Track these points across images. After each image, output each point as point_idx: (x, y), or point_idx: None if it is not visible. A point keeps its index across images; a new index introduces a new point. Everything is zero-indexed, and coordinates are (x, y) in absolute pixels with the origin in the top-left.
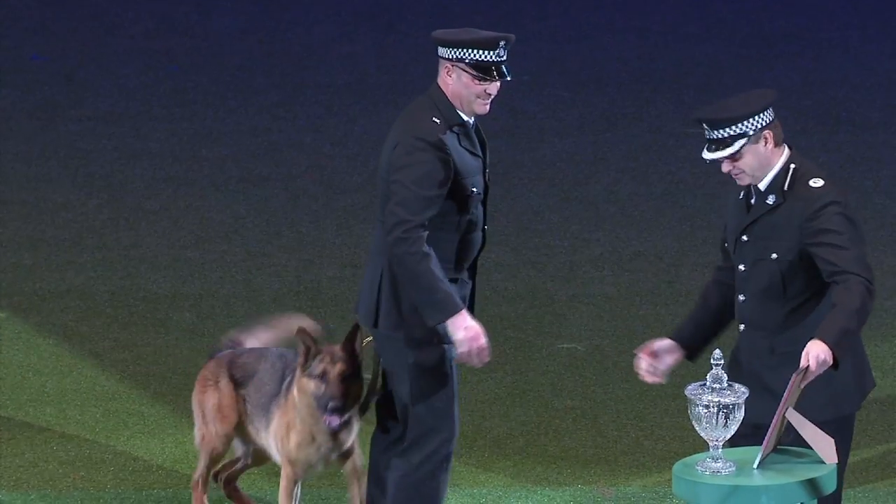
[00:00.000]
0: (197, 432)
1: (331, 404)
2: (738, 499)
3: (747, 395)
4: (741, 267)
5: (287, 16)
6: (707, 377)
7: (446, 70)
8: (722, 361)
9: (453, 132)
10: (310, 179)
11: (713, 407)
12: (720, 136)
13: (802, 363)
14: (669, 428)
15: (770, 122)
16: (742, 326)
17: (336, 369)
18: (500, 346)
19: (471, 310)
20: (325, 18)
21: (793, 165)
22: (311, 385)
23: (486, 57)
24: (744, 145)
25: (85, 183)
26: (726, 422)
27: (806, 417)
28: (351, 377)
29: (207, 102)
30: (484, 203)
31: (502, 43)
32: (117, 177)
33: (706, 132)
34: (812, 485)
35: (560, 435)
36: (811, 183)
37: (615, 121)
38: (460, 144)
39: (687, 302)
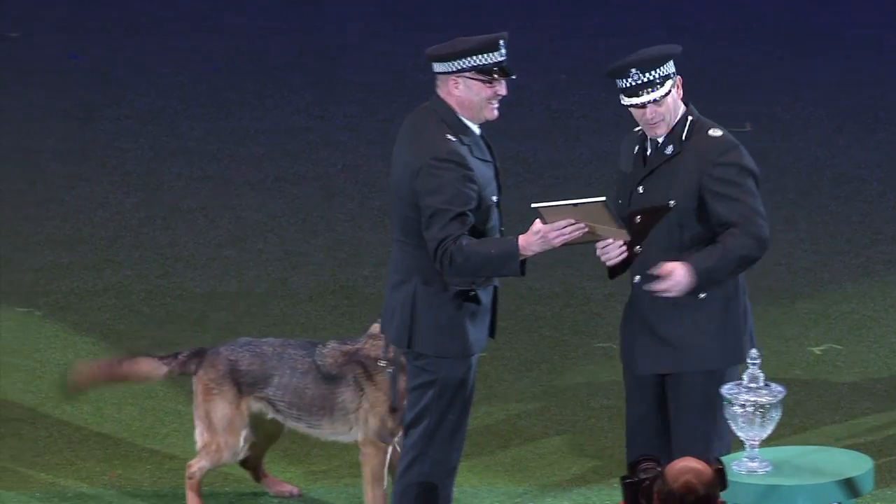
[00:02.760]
0: (199, 438)
1: None
2: (775, 498)
3: (784, 393)
4: (637, 219)
5: (323, 14)
6: (744, 377)
7: (452, 83)
8: (759, 361)
9: (465, 145)
10: (346, 178)
11: (749, 406)
12: (650, 77)
13: (661, 285)
14: None
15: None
16: (637, 278)
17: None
18: (535, 346)
19: (494, 307)
20: (360, 17)
21: (690, 117)
22: None
23: (490, 59)
24: (672, 86)
25: (122, 182)
26: (762, 421)
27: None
28: None
29: (244, 101)
30: (499, 206)
31: (502, 42)
32: (154, 175)
33: (632, 77)
34: (849, 484)
35: (596, 434)
36: (710, 132)
37: None
38: (473, 155)
39: None
